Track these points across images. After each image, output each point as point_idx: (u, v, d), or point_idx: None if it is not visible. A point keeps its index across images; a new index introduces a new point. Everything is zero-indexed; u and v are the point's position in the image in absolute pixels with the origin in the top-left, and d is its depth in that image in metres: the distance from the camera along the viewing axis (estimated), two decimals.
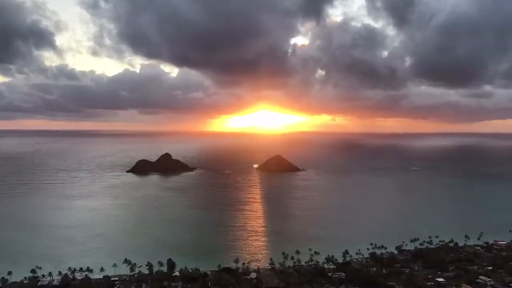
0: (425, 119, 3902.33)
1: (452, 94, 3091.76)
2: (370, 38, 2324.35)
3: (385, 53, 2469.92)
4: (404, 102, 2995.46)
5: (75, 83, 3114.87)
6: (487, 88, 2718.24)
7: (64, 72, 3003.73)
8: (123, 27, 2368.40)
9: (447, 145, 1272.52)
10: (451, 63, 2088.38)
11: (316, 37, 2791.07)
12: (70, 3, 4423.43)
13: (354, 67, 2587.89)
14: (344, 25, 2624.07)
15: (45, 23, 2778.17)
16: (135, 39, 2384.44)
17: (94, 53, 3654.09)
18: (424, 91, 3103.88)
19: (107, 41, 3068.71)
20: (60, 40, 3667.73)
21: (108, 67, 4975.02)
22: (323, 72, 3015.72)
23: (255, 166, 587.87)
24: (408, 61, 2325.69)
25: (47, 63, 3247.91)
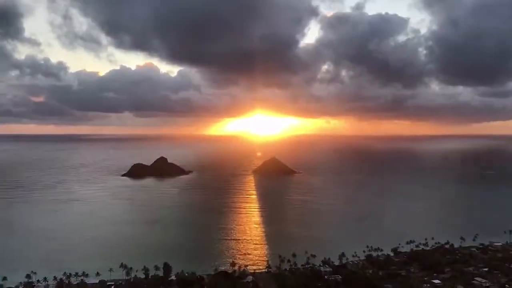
0: (426, 121, 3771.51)
1: (466, 93, 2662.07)
2: (388, 27, 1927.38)
3: (404, 45, 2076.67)
4: (411, 103, 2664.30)
5: (58, 83, 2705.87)
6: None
7: (40, 69, 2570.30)
8: (97, 12, 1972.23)
9: (446, 148, 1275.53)
10: (482, 53, 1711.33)
11: (327, 26, 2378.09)
12: None
13: (367, 62, 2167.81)
14: (360, 12, 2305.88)
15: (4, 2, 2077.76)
16: (111, 27, 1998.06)
17: (70, 45, 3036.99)
18: (434, 91, 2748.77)
19: (80, 30, 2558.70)
20: (27, 28, 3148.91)
21: (92, 63, 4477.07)
22: (331, 68, 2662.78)
23: (251, 169, 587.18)
24: (430, 54, 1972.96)
25: (17, 56, 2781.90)
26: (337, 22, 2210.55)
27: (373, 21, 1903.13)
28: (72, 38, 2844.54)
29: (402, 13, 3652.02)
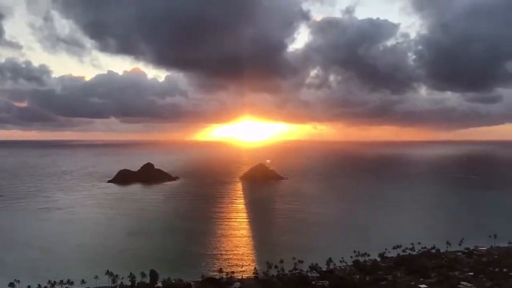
0: (413, 126, 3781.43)
1: (453, 99, 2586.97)
2: (378, 32, 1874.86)
3: (393, 49, 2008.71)
4: (399, 108, 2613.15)
5: (41, 88, 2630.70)
6: (500, 91, 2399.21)
7: (21, 73, 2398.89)
8: (79, 14, 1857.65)
9: (432, 154, 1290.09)
10: (472, 58, 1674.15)
11: (317, 30, 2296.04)
12: None
13: (356, 67, 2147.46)
14: (350, 16, 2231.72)
15: None
16: (95, 30, 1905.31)
17: (52, 48, 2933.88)
18: (422, 96, 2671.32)
19: (61, 32, 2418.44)
20: (7, 31, 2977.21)
21: (76, 67, 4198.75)
22: (320, 73, 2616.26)
23: (238, 175, 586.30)
24: (419, 58, 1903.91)
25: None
26: (327, 26, 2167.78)
27: (363, 25, 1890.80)
28: (54, 41, 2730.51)
29: (393, 17, 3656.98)
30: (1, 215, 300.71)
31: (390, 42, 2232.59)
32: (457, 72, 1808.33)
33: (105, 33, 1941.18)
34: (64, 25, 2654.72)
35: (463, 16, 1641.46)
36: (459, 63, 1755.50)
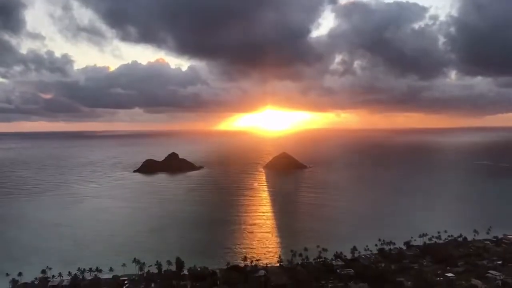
0: (439, 113, 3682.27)
1: (483, 84, 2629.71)
2: (406, 14, 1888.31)
3: (422, 32, 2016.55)
4: (426, 94, 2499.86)
5: (64, 79, 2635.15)
6: None
7: (44, 64, 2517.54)
8: (97, 2, 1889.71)
9: (459, 141, 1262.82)
10: (507, 40, 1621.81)
11: (342, 14, 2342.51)
12: None
13: (383, 52, 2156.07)
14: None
15: None
16: (115, 19, 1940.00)
17: (73, 38, 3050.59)
18: (450, 82, 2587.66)
19: (81, 22, 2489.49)
20: (29, 22, 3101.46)
21: (98, 57, 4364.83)
22: (346, 58, 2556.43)
23: (262, 163, 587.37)
24: (450, 41, 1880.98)
25: (21, 51, 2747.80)
26: (353, 10, 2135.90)
27: (390, 8, 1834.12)
28: (74, 31, 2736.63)
29: None
30: (31, 205, 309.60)
31: (418, 25, 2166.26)
32: (491, 55, 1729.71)
33: (126, 21, 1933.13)
34: (83, 14, 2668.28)
35: None
36: (493, 46, 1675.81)
